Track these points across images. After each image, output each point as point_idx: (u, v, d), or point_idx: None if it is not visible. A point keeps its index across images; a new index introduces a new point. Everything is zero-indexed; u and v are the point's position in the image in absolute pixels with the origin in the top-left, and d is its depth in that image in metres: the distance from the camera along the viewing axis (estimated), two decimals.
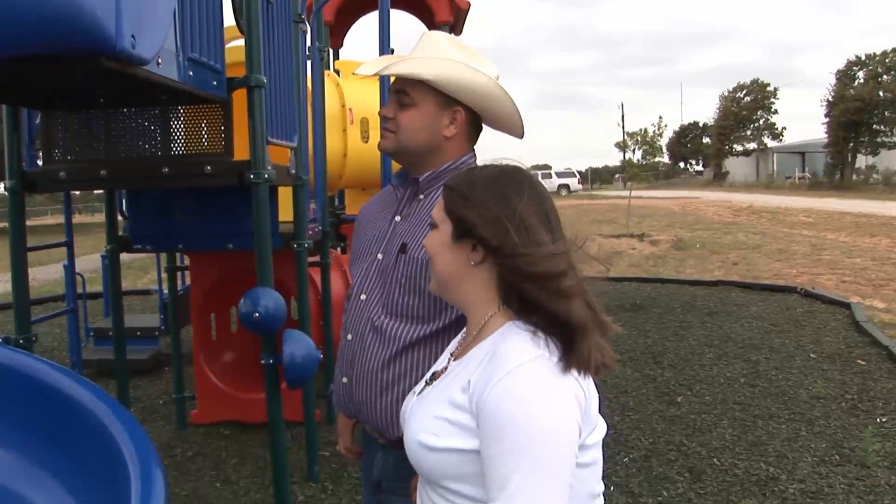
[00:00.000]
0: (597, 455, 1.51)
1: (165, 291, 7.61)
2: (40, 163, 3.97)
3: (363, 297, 2.13)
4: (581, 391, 1.43)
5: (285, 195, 4.56)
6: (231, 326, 6.02)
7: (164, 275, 7.79)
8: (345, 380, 2.16)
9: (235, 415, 5.53)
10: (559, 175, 60.74)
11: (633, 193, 22.24)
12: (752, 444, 5.14)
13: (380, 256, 2.12)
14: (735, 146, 67.07)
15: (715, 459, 4.89)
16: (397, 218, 2.16)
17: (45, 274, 13.51)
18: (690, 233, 20.02)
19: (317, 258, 5.47)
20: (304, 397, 4.58)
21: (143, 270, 12.46)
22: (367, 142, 6.41)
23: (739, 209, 28.08)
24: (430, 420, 1.47)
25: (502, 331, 1.49)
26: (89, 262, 6.76)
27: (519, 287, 1.49)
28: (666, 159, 65.31)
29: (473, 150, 2.19)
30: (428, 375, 1.65)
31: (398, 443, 2.07)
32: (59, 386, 2.76)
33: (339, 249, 7.10)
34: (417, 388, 1.65)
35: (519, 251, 1.47)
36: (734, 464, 4.80)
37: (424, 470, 1.49)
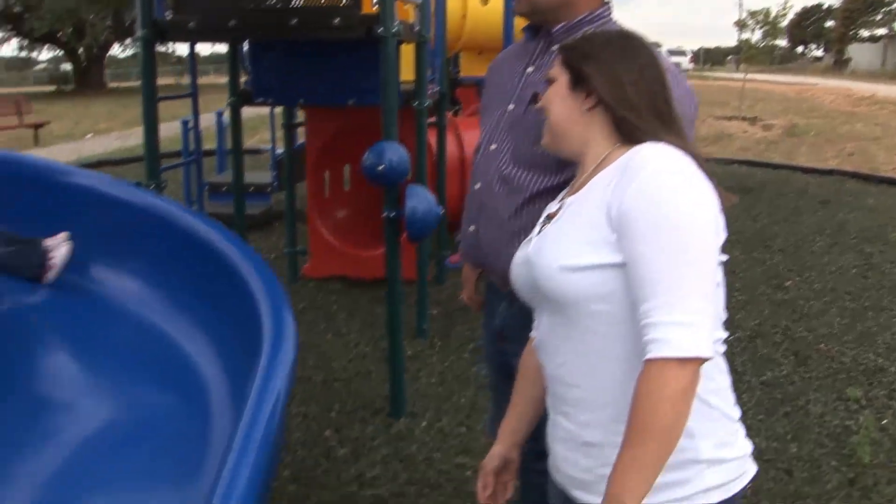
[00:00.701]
0: (720, 277, 1.49)
1: (278, 150, 7.78)
2: (170, 14, 4.03)
3: (493, 147, 2.13)
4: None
5: (404, 53, 4.54)
6: (344, 184, 6.13)
7: (277, 133, 7.95)
8: (472, 228, 2.19)
9: (345, 270, 5.69)
10: (670, 53, 58.78)
11: (748, 76, 21.37)
12: (861, 333, 5.06)
13: (511, 107, 2.11)
14: (861, 31, 63.30)
15: (822, 345, 4.84)
16: (529, 69, 2.13)
17: (166, 131, 13.94)
18: (805, 120, 19.23)
19: (432, 119, 5.48)
20: (418, 255, 4.67)
21: (253, 130, 12.68)
22: (486, 4, 6.30)
23: (860, 98, 26.74)
24: (565, 244, 1.47)
25: (629, 153, 1.47)
26: (203, 120, 6.97)
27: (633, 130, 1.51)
28: (784, 42, 62.25)
29: (607, 2, 2.13)
30: (541, 219, 1.65)
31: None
32: (198, 232, 2.89)
33: (453, 112, 7.09)
34: (533, 234, 1.64)
35: (633, 105, 1.50)
36: (841, 351, 4.75)
37: (568, 295, 1.46)
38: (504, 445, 1.80)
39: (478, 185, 2.15)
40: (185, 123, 6.79)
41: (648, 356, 1.32)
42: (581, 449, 1.52)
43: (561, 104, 1.60)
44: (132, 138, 13.31)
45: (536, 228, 1.63)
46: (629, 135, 1.52)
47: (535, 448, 2.23)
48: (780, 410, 3.99)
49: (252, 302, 2.60)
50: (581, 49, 1.59)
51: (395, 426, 3.82)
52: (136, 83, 33.31)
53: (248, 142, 11.69)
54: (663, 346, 1.31)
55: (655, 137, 1.47)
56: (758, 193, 9.51)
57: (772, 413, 3.96)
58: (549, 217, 1.61)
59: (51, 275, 2.82)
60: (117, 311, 2.81)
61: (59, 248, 2.84)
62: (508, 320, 2.19)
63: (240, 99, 4.87)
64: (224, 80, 5.88)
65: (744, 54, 22.65)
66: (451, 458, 3.55)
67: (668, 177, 1.38)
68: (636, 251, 1.36)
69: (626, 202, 1.38)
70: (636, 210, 1.37)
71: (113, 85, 40.97)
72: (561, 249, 1.47)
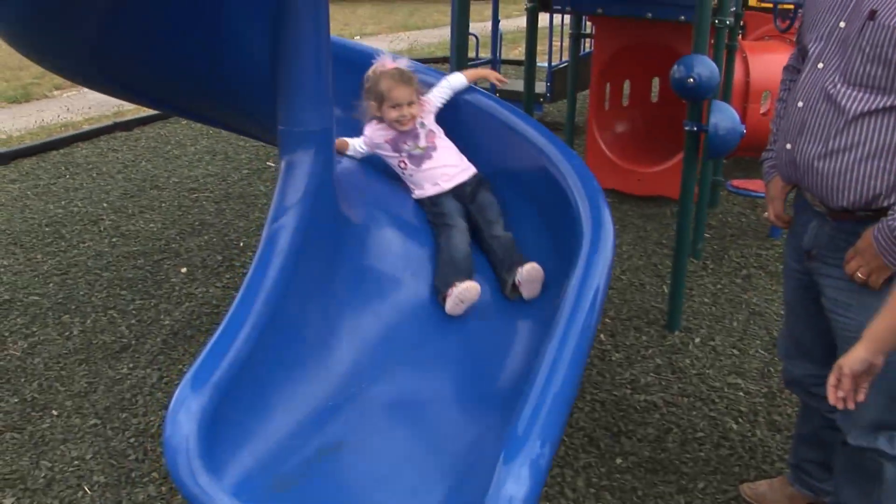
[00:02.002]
0: None
1: (553, 62, 7.83)
2: None
3: (820, 65, 2.09)
4: None
5: None
6: (623, 100, 6.12)
7: (554, 44, 8.00)
8: (789, 146, 2.17)
9: (618, 184, 5.72)
10: None
11: None
12: None
13: (841, 25, 2.05)
14: None
15: None
16: None
17: (431, 38, 14.36)
18: None
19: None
20: (702, 175, 4.62)
21: (513, 42, 12.78)
22: None
23: None
24: None
25: None
26: (482, 28, 7.14)
27: None
28: None
29: None
30: None
31: (837, 212, 2.09)
32: (515, 127, 3.01)
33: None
34: None
35: None
36: None
37: None
38: (869, 351, 1.79)
39: (800, 104, 2.12)
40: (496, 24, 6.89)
41: None
42: None
43: None
44: (400, 42, 13.78)
45: None
46: None
47: (819, 373, 2.25)
48: None
49: (568, 199, 2.71)
50: None
51: (668, 339, 3.88)
52: None
53: (511, 53, 11.81)
54: None
55: None
56: None
57: None
58: None
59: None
60: None
61: None
62: (819, 239, 2.18)
63: (537, 5, 4.95)
64: None
65: None
66: (723, 376, 3.57)
67: None
68: None
69: None
70: None
71: None
72: None
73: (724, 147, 3.57)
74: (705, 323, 4.03)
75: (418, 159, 3.01)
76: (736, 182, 5.07)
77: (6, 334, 4.05)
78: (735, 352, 3.79)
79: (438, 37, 14.35)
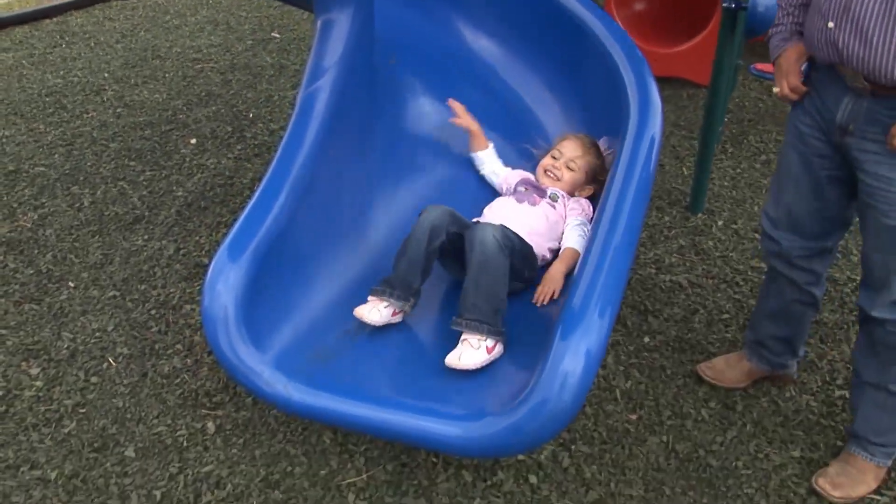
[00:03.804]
0: None
1: None
2: None
3: None
4: None
5: None
6: None
7: None
8: (831, 24, 2.07)
9: None
10: None
11: None
12: None
13: None
14: None
15: None
16: None
17: None
18: None
19: None
20: (724, 57, 4.48)
21: None
22: None
23: None
24: None
25: None
26: None
27: None
28: None
29: None
30: None
31: (881, 87, 2.03)
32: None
33: None
34: None
35: None
36: None
37: None
38: None
39: None
40: None
41: None
42: None
43: None
44: None
45: None
46: None
47: (807, 246, 2.35)
48: None
49: (612, 68, 2.60)
50: None
51: (691, 220, 3.83)
52: None
53: None
54: None
55: None
56: None
57: None
58: None
59: None
60: (473, 67, 2.89)
61: None
62: (856, 115, 2.13)
63: None
64: None
65: None
66: (746, 259, 3.54)
67: None
68: None
69: None
70: None
71: None
72: None
73: (762, 25, 3.42)
74: (727, 206, 3.98)
75: (514, 195, 2.78)
76: (759, 65, 4.94)
77: (15, 205, 3.97)
78: (757, 236, 3.74)
79: None
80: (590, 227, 2.55)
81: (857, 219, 2.30)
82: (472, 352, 2.19)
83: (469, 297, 2.25)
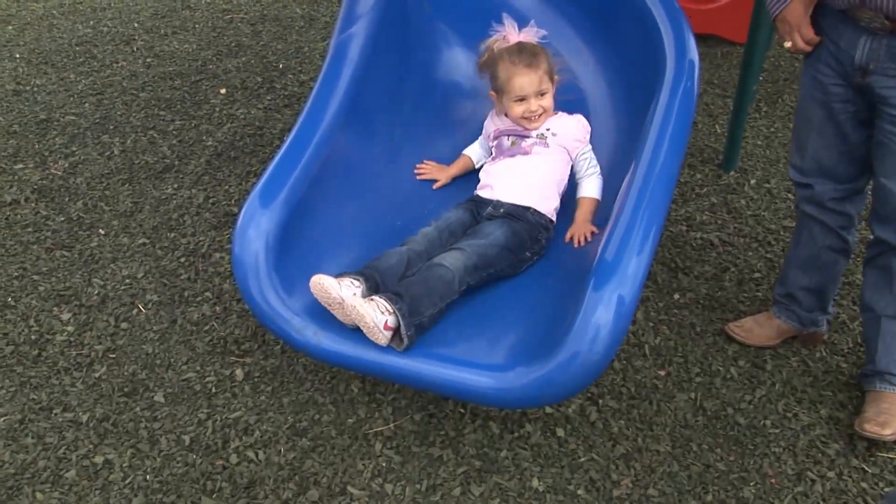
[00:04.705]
0: None
1: None
2: None
3: None
4: None
5: None
6: None
7: None
8: None
9: None
10: None
11: None
12: None
13: None
14: None
15: None
16: None
17: None
18: None
19: None
20: (757, 14, 4.40)
21: None
22: None
23: None
24: None
25: None
26: None
27: None
28: None
29: None
30: None
31: None
32: None
33: None
34: None
35: None
36: None
37: None
38: None
39: None
40: None
41: None
42: None
43: None
44: None
45: None
46: None
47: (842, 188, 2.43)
48: None
49: (646, 18, 2.56)
50: None
51: (723, 178, 3.78)
52: None
53: None
54: None
55: None
56: None
57: None
58: None
59: None
60: (506, 12, 2.84)
61: None
62: (876, 53, 2.15)
63: None
64: None
65: None
66: (779, 219, 3.49)
67: None
68: None
69: None
70: None
71: None
72: None
73: None
74: (760, 165, 3.92)
75: (502, 152, 2.61)
76: None
77: (46, 154, 3.98)
78: (790, 196, 3.69)
79: None
80: (592, 155, 2.59)
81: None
82: (375, 313, 2.03)
83: (414, 285, 2.14)
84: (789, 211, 3.56)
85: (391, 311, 2.03)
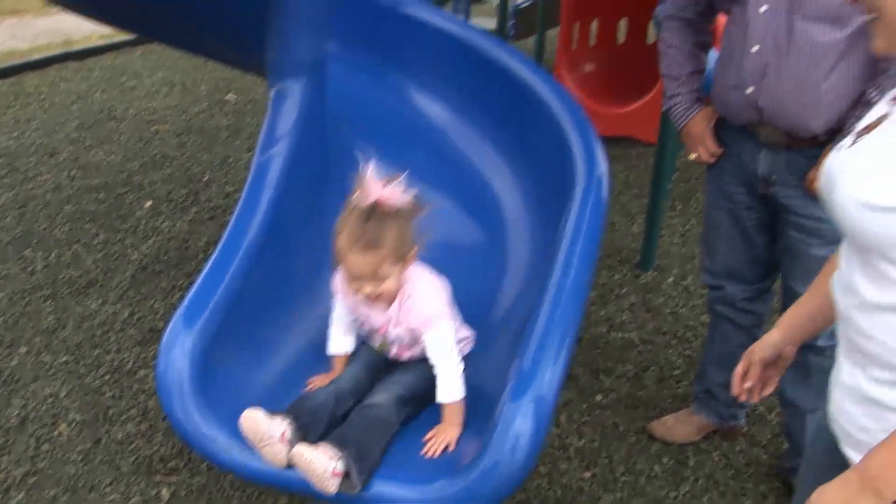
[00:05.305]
0: None
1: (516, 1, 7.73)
2: None
3: (763, 8, 2.12)
4: None
5: None
6: (590, 39, 6.08)
7: None
8: (750, 90, 2.19)
9: None
10: None
11: None
12: None
13: None
14: None
15: None
16: None
17: None
18: None
19: None
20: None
21: None
22: None
23: None
24: (873, 173, 1.19)
25: None
26: None
27: None
28: None
29: None
30: (858, 127, 1.32)
31: (799, 140, 2.17)
32: (507, 64, 2.93)
33: None
34: (845, 143, 1.33)
35: None
36: None
37: (866, 237, 1.20)
38: (783, 337, 1.58)
39: (755, 48, 2.16)
40: None
41: None
42: (863, 404, 1.28)
43: None
44: None
45: (849, 138, 1.33)
46: None
47: (751, 289, 2.55)
48: None
49: (559, 133, 2.67)
50: None
51: (642, 277, 3.91)
52: None
53: None
54: None
55: None
56: None
57: None
58: (868, 129, 1.29)
59: None
60: (425, 133, 2.95)
61: None
62: (777, 166, 2.27)
63: None
64: None
65: None
66: (697, 315, 3.61)
67: None
68: None
69: None
70: None
71: None
72: (867, 181, 1.19)
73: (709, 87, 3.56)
74: (677, 263, 4.07)
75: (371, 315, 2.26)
76: None
77: None
78: (706, 292, 3.83)
79: None
80: (445, 335, 2.15)
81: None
82: (323, 459, 1.90)
83: (356, 430, 2.02)
84: (706, 307, 3.68)
85: (339, 456, 1.93)
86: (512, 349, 2.31)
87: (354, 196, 2.08)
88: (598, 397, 3.07)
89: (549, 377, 1.90)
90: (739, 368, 1.63)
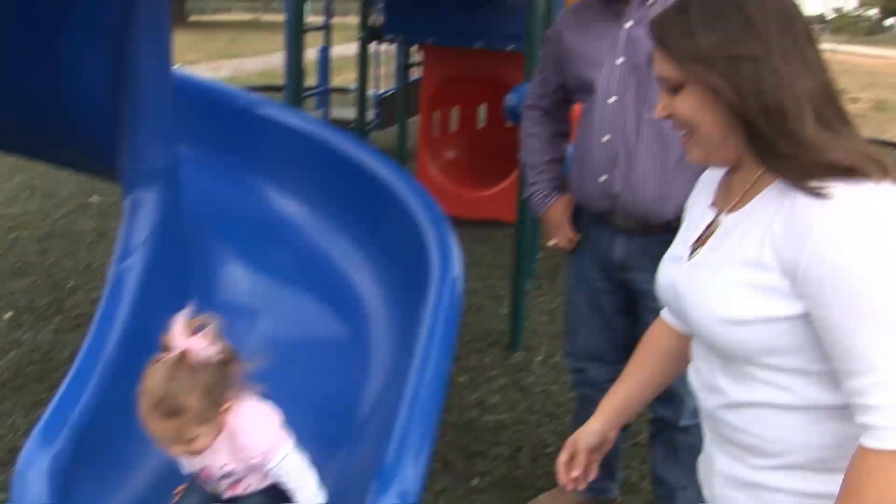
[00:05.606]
0: None
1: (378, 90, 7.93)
2: None
3: (611, 99, 2.26)
4: None
5: None
6: (451, 125, 6.28)
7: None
8: (603, 178, 2.33)
9: (448, 209, 5.77)
10: None
11: (831, 47, 20.79)
12: None
13: (619, 60, 2.24)
14: None
15: None
16: (628, 24, 2.25)
17: (253, 65, 14.18)
18: (894, 95, 18.73)
19: None
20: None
21: (338, 70, 12.82)
22: None
23: None
24: (724, 289, 1.21)
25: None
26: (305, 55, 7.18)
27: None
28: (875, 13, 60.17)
29: None
30: (691, 239, 1.35)
31: (652, 227, 2.28)
32: (362, 160, 3.03)
33: None
34: (680, 254, 1.36)
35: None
36: None
37: (729, 348, 1.23)
38: (606, 423, 1.62)
39: (606, 138, 2.29)
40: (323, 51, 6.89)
41: (870, 445, 1.10)
42: (747, 489, 1.30)
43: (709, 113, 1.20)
44: (222, 70, 13.55)
45: (684, 249, 1.36)
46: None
47: (613, 370, 2.49)
48: None
49: (415, 229, 2.76)
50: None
51: (512, 358, 4.00)
52: (216, 17, 33.91)
53: (333, 81, 11.85)
54: (890, 437, 1.08)
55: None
56: None
57: None
58: (701, 241, 1.32)
59: None
60: (283, 231, 3.00)
61: None
62: (631, 251, 2.38)
63: (370, 34, 5.03)
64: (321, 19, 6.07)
65: (834, 23, 22.03)
66: (567, 391, 3.71)
67: (873, 223, 1.09)
68: (832, 315, 1.11)
69: (813, 249, 1.11)
70: (832, 260, 1.10)
71: (193, 18, 41.26)
72: (719, 297, 1.22)
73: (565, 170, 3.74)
74: (545, 341, 4.18)
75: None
76: None
77: None
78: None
79: (262, 64, 14.18)
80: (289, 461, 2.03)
81: None
82: None
83: None
84: None
85: None
86: (378, 444, 2.35)
87: (161, 347, 1.88)
88: (475, 481, 3.10)
89: (411, 473, 1.94)
90: (563, 457, 1.61)
